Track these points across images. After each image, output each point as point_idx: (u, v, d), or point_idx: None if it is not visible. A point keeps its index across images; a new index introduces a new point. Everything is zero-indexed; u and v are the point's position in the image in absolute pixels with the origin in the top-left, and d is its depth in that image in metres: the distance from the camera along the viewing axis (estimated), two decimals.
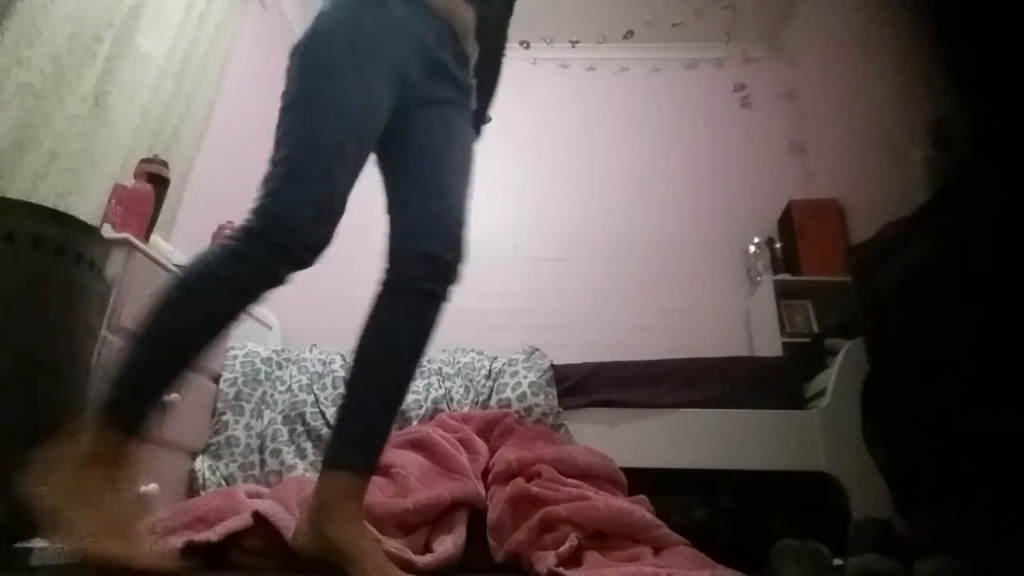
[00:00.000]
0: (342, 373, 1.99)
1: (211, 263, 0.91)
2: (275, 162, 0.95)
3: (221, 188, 2.70)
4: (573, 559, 1.15)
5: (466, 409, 1.91)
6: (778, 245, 2.93)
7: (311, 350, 2.14)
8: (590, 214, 3.29)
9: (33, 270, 1.02)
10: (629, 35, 3.53)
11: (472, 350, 2.17)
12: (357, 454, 0.97)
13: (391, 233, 1.07)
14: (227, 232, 0.92)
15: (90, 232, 1.14)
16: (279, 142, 0.97)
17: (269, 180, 0.93)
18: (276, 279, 0.93)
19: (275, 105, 1.01)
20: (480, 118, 1.27)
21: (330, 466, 0.97)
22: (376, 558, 0.89)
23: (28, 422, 0.99)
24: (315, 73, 0.98)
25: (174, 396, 1.55)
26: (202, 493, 1.62)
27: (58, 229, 1.06)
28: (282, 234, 0.90)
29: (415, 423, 1.86)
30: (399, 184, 1.10)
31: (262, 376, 1.95)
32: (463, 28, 1.12)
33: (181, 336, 0.88)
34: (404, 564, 1.11)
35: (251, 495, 1.37)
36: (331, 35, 1.00)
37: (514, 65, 1.38)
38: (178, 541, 1.14)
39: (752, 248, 2.97)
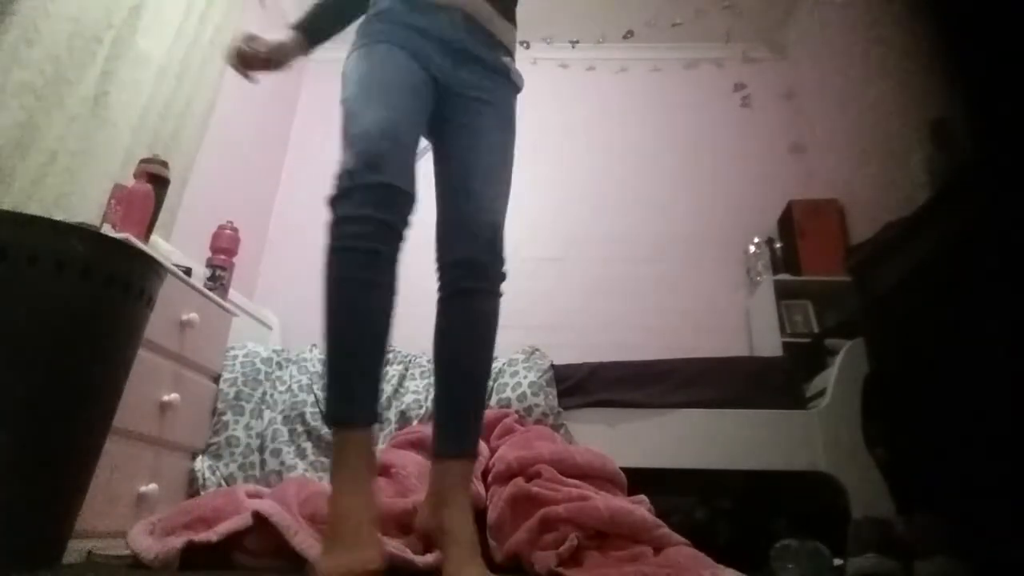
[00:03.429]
0: None
1: (332, 247, 0.96)
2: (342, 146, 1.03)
3: (221, 188, 2.70)
4: (573, 559, 1.15)
5: None
6: (778, 245, 2.92)
7: (311, 350, 2.14)
8: (590, 214, 3.29)
9: (80, 298, 1.00)
10: (629, 35, 3.53)
11: None
12: (458, 445, 1.07)
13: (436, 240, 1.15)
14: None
15: (145, 260, 1.12)
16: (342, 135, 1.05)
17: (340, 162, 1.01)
18: (385, 226, 0.96)
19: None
20: None
21: (441, 457, 1.06)
22: (465, 556, 0.95)
23: (65, 446, 1.00)
24: (349, 76, 1.11)
25: (174, 396, 1.55)
26: (202, 493, 1.61)
27: (107, 256, 1.05)
28: (346, 180, 0.96)
29: (415, 423, 1.86)
30: (438, 193, 1.17)
31: (262, 376, 1.95)
32: (478, 11, 1.16)
33: (353, 324, 0.96)
34: (404, 564, 1.11)
35: (251, 495, 1.37)
36: (355, 48, 1.14)
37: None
38: (178, 541, 1.14)
39: (752, 248, 2.97)
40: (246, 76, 1.29)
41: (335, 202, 0.97)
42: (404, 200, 0.98)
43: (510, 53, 1.25)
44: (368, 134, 0.99)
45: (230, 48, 1.25)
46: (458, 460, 1.06)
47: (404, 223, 0.99)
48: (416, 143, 1.07)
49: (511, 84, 1.23)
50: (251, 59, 1.25)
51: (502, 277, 1.13)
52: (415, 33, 1.10)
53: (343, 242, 0.95)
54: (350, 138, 1.01)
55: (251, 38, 1.24)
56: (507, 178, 1.19)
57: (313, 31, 1.28)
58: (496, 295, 1.12)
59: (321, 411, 1.89)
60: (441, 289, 1.12)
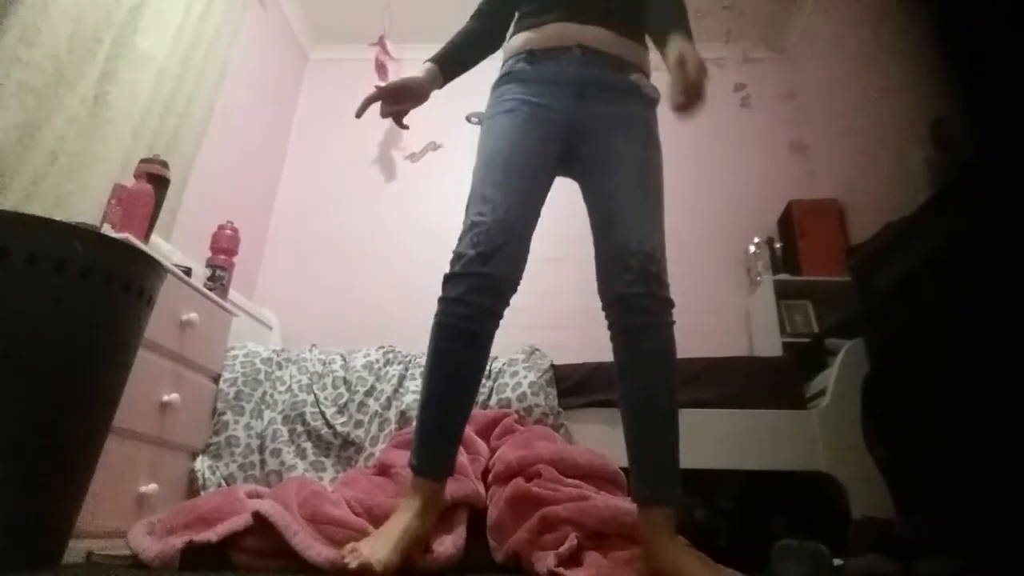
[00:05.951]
0: (342, 373, 1.99)
1: (439, 321, 1.08)
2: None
3: (221, 188, 2.70)
4: (573, 559, 1.14)
5: None
6: (778, 245, 2.92)
7: (311, 350, 2.14)
8: None
9: (80, 298, 1.00)
10: None
11: None
12: (652, 491, 1.05)
13: (596, 277, 1.21)
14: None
15: (145, 260, 1.12)
16: None
17: None
18: (486, 310, 1.07)
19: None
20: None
21: (640, 503, 1.06)
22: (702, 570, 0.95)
23: (65, 446, 1.00)
24: (480, 145, 1.20)
25: (174, 396, 1.55)
26: (202, 493, 1.61)
27: (107, 256, 1.04)
28: (458, 265, 1.07)
29: (415, 423, 1.86)
30: (592, 228, 1.25)
31: (262, 376, 1.95)
32: (596, 40, 1.19)
33: (444, 391, 1.09)
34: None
35: (251, 495, 1.37)
36: (488, 116, 1.22)
37: None
38: (178, 541, 1.14)
39: (752, 248, 2.97)
40: (401, 124, 1.32)
41: (447, 282, 1.08)
42: (507, 287, 1.09)
43: (641, 69, 1.25)
44: (485, 224, 1.08)
45: (364, 106, 1.23)
46: (656, 507, 1.03)
47: (505, 305, 1.10)
48: (532, 226, 1.17)
49: (644, 98, 1.23)
50: (393, 107, 1.27)
51: (665, 305, 1.10)
52: (539, 86, 1.16)
53: (448, 319, 1.06)
54: (470, 219, 1.10)
55: (380, 92, 1.26)
56: (650, 195, 1.17)
57: (450, 66, 1.31)
58: (662, 327, 1.09)
59: (322, 411, 1.89)
60: (610, 327, 1.13)
